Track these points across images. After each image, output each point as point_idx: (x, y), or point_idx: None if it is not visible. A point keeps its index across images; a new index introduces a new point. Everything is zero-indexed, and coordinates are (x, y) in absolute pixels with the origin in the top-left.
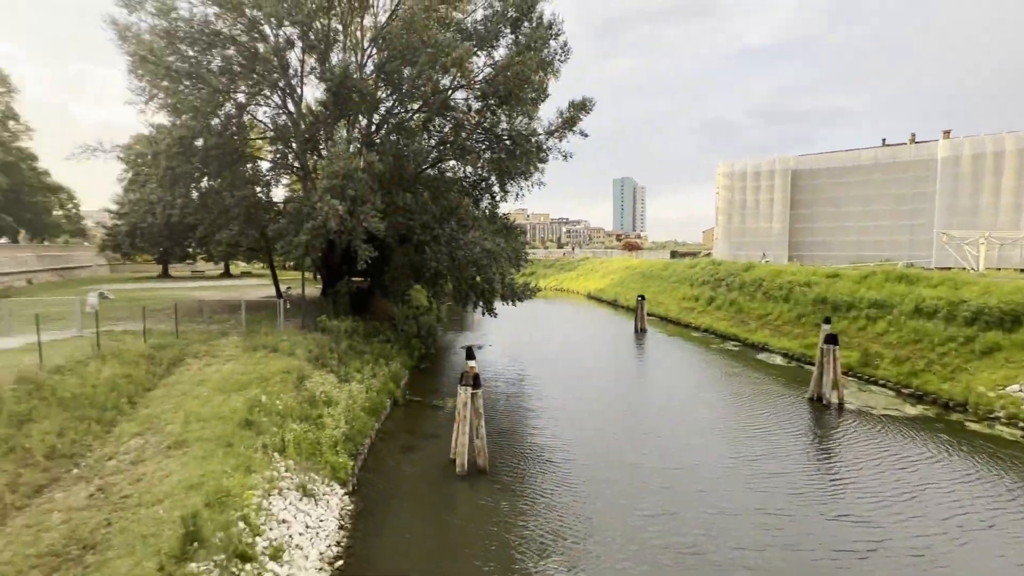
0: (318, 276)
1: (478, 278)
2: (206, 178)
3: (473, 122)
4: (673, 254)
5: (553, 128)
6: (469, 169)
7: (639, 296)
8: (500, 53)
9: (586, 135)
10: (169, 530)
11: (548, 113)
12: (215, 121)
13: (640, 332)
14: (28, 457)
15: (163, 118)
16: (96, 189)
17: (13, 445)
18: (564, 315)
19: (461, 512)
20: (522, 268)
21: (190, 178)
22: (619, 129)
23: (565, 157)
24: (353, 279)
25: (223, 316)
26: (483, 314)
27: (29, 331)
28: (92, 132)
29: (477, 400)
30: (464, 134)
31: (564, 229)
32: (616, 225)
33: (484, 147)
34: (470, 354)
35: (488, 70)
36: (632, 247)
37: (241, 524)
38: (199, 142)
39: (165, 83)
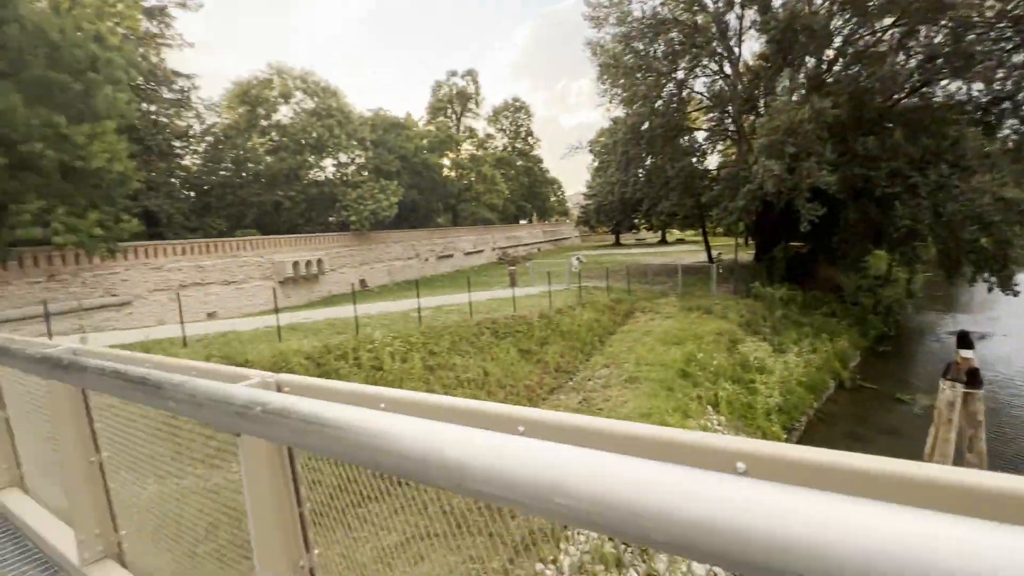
0: (749, 241)
1: (983, 240)
2: (650, 157)
3: (992, 14)
4: None
5: None
6: (977, 87)
7: None
8: None
9: None
10: None
11: None
12: (658, 103)
13: None
14: (546, 367)
15: (619, 111)
16: (575, 177)
17: (539, 359)
18: None
19: None
20: None
21: (639, 159)
22: None
23: None
24: (791, 243)
25: (662, 278)
26: (989, 291)
27: (542, 283)
28: (571, 134)
29: (974, 403)
30: (973, 36)
31: None
32: None
33: (1011, 47)
34: (965, 342)
35: None
36: None
37: None
38: (645, 125)
39: (622, 80)
